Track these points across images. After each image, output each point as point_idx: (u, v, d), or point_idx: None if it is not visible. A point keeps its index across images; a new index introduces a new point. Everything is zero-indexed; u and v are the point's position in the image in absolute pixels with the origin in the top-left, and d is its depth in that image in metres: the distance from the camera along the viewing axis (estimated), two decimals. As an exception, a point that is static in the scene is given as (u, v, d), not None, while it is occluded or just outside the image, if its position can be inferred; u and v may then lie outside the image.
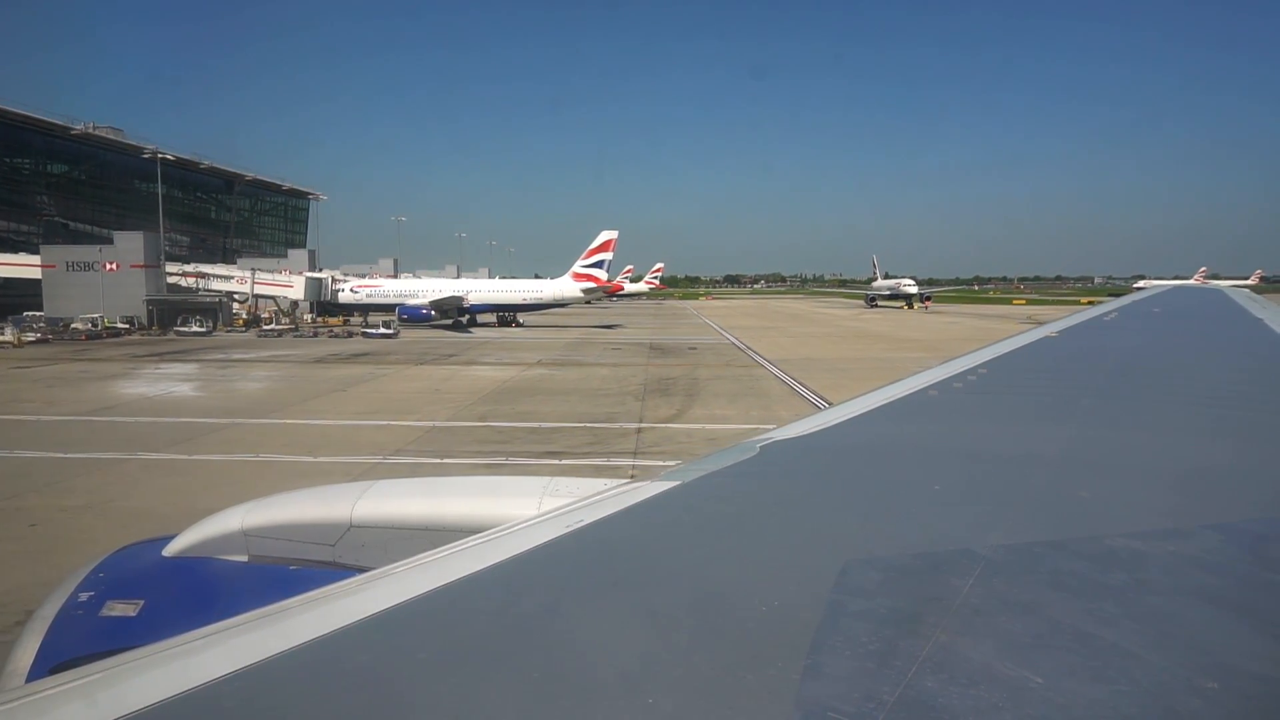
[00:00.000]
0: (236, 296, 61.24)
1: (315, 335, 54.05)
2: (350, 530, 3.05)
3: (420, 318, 61.50)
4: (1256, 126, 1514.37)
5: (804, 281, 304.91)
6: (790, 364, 36.78)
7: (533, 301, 67.52)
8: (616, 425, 21.33)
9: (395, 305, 62.14)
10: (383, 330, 53.14)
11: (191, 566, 3.15)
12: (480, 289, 69.14)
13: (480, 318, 66.58)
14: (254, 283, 60.45)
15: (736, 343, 50.33)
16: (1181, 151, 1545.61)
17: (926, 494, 2.34)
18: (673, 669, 1.27)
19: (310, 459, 17.29)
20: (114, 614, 2.92)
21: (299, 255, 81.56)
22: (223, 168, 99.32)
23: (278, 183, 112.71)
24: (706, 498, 2.28)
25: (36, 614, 2.99)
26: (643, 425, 21.34)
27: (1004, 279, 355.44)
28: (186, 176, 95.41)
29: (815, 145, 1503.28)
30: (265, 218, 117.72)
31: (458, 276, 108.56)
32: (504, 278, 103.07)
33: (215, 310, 58.26)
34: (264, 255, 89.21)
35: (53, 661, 2.75)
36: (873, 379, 29.96)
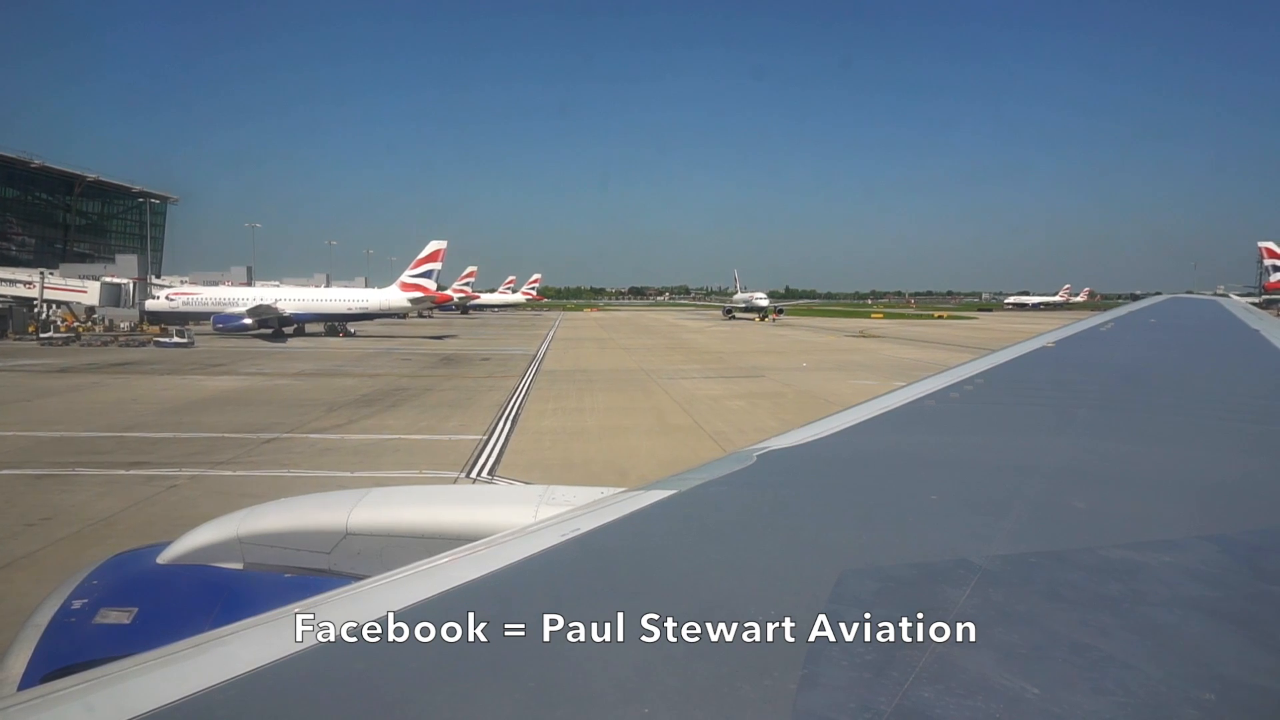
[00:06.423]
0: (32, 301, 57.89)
1: (105, 344, 51.32)
2: (346, 538, 3.02)
3: (238, 327, 59.41)
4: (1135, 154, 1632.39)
5: (708, 294, 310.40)
6: (554, 375, 37.40)
7: (357, 311, 66.15)
8: (254, 435, 21.07)
9: (212, 314, 60.08)
10: (176, 340, 50.99)
11: (186, 574, 3.11)
12: (300, 298, 67.02)
13: (309, 327, 64.92)
14: (42, 287, 57.25)
15: (539, 353, 50.72)
16: (1093, 171, 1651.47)
17: (923, 503, 2.33)
18: (669, 678, 1.26)
19: None
20: (108, 621, 2.87)
21: (128, 260, 77.66)
22: (57, 167, 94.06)
23: (127, 185, 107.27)
24: (702, 506, 2.27)
25: (28, 622, 2.91)
26: (280, 435, 21.14)
27: (898, 293, 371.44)
28: (19, 174, 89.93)
29: (724, 158, 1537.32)
30: (115, 221, 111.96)
31: (327, 285, 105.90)
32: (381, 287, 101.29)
33: (5, 316, 55.00)
34: (108, 260, 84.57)
35: (45, 669, 2.69)
36: (611, 390, 30.23)
